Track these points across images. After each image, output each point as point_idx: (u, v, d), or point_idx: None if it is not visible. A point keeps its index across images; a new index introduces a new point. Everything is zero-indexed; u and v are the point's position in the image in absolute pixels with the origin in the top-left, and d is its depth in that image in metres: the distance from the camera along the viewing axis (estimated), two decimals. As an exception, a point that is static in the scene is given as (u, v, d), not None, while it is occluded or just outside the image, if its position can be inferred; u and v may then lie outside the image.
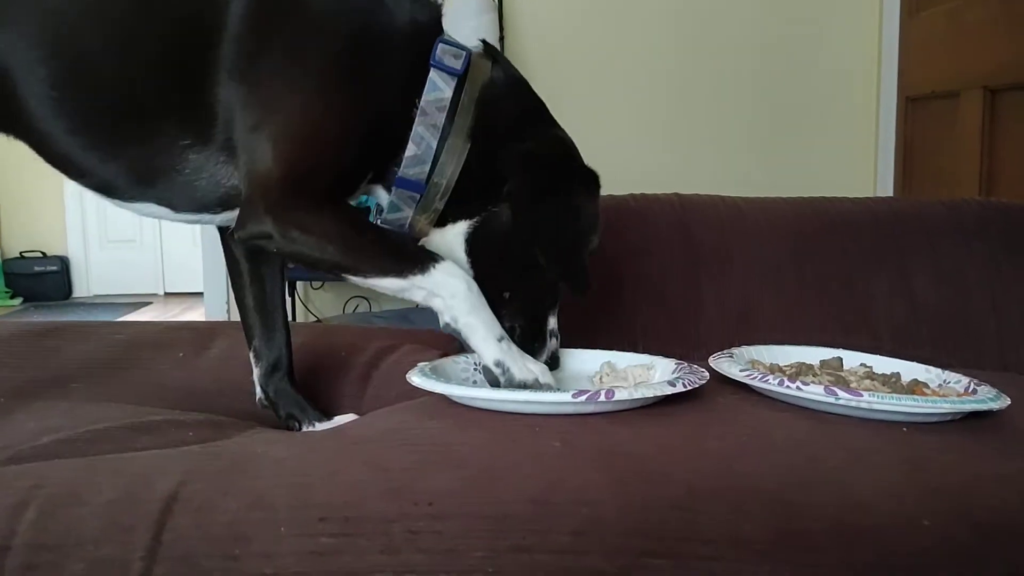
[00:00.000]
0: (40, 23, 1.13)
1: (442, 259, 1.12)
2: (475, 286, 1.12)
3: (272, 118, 1.11)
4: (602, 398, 1.00)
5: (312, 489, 0.85)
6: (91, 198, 6.60)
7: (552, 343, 1.23)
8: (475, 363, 1.21)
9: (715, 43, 3.34)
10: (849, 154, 3.36)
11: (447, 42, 1.19)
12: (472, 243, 1.20)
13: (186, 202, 1.18)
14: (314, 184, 1.11)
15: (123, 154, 1.16)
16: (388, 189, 1.20)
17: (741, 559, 0.80)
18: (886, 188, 3.23)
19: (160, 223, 6.69)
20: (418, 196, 1.18)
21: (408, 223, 1.21)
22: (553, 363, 1.22)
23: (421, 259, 1.11)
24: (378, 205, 1.25)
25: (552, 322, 1.24)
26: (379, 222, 1.23)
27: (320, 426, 1.25)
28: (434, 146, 1.16)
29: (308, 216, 1.09)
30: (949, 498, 0.87)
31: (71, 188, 6.64)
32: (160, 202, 1.20)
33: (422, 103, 1.16)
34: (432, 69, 1.16)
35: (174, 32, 1.14)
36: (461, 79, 1.17)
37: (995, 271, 1.69)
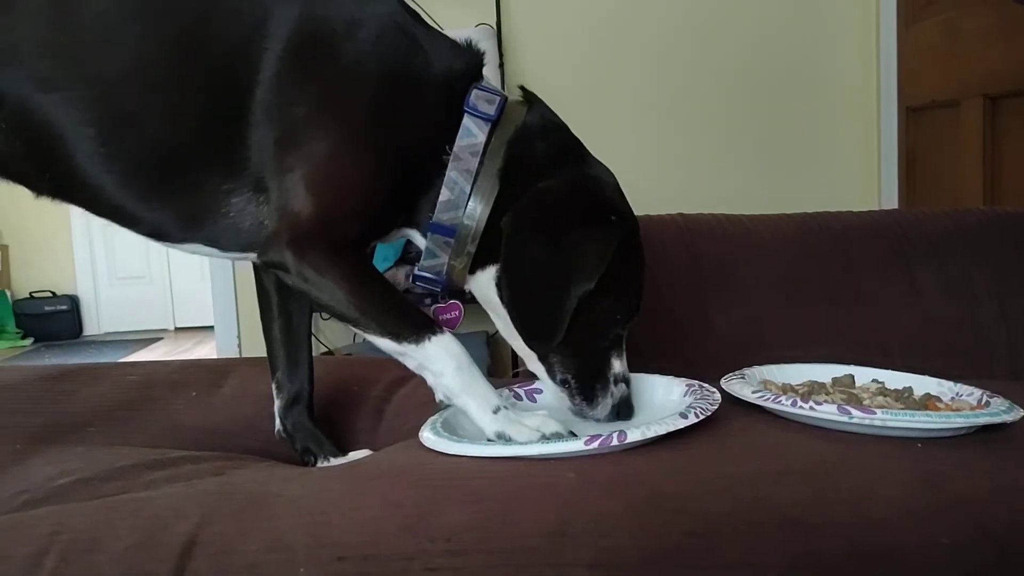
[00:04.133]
0: (84, 85, 1.14)
1: (443, 333, 1.12)
2: (467, 361, 1.12)
3: (305, 161, 1.12)
4: (615, 442, 1.00)
5: (329, 528, 0.85)
6: (99, 236, 6.71)
7: (618, 389, 1.18)
8: None
9: (712, 61, 3.36)
10: (852, 167, 3.36)
11: (483, 88, 1.20)
12: (501, 287, 1.18)
13: (232, 242, 1.20)
14: (342, 227, 1.13)
15: (170, 202, 1.18)
16: (424, 234, 1.21)
17: (760, 583, 0.80)
18: (890, 200, 3.23)
19: (168, 258, 6.74)
20: (451, 241, 1.18)
21: (445, 269, 1.21)
22: (626, 411, 1.18)
23: (420, 329, 1.11)
24: (415, 249, 1.25)
25: (617, 366, 1.19)
26: (417, 270, 1.23)
27: (335, 461, 1.25)
28: (467, 191, 1.16)
29: (325, 260, 1.10)
30: (967, 515, 0.87)
31: (79, 227, 6.71)
32: (208, 243, 1.21)
33: (455, 148, 1.16)
34: (466, 115, 1.17)
35: (211, 82, 1.15)
36: (495, 124, 1.18)
37: (1002, 279, 1.70)
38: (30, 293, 6.83)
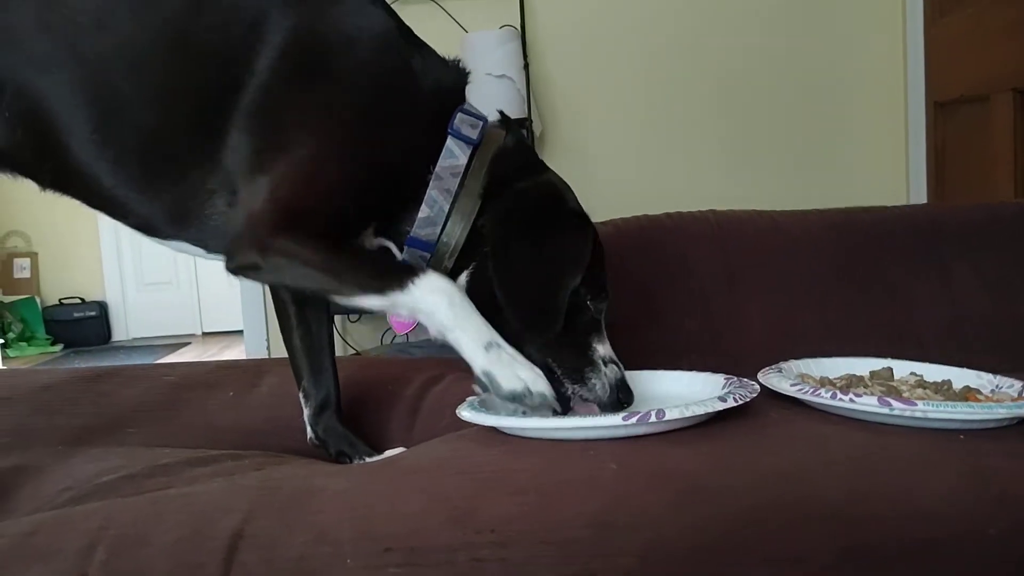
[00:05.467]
0: (78, 67, 1.17)
1: (425, 273, 1.11)
2: (459, 296, 1.11)
3: (274, 164, 1.13)
4: (653, 418, 1.00)
5: (375, 521, 0.86)
6: (127, 242, 6.76)
7: (610, 370, 1.20)
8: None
9: (738, 59, 3.35)
10: (880, 163, 3.34)
11: (467, 111, 1.25)
12: (469, 290, 1.19)
13: (217, 244, 1.21)
14: (304, 224, 1.13)
15: (159, 196, 1.20)
16: (400, 248, 1.23)
17: (806, 574, 0.80)
18: (919, 196, 3.21)
19: (195, 263, 6.78)
20: (428, 256, 1.22)
21: None
22: (626, 395, 1.19)
23: (401, 276, 1.11)
24: None
25: (601, 349, 1.22)
26: None
27: (370, 461, 1.26)
28: (446, 209, 1.21)
29: (292, 244, 1.11)
30: (1014, 505, 0.86)
31: (107, 234, 6.77)
32: (194, 242, 1.23)
33: (437, 168, 1.21)
34: (449, 137, 1.22)
35: (198, 76, 1.18)
36: (476, 147, 1.23)
37: (1038, 272, 1.67)
38: (59, 300, 6.90)
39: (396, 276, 1.11)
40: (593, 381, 1.18)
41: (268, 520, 0.86)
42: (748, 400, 1.10)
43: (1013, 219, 1.74)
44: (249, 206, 1.14)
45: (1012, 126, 2.63)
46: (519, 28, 3.24)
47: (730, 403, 1.07)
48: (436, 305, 1.10)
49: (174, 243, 1.25)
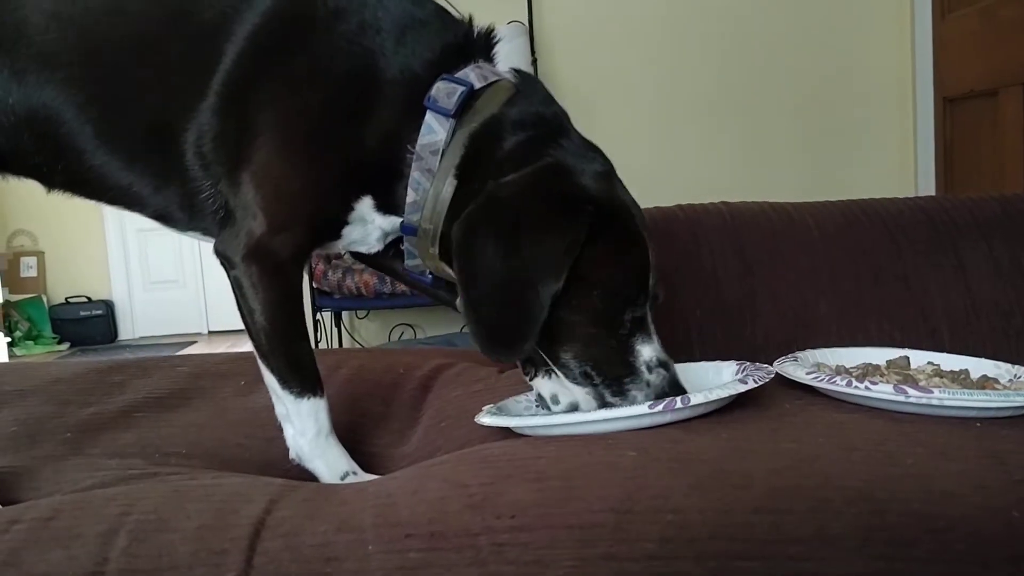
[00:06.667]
0: (81, 63, 1.17)
1: (320, 398, 1.14)
2: (327, 432, 1.14)
3: (254, 157, 1.12)
4: (679, 404, 1.00)
5: (396, 508, 0.86)
6: (133, 241, 6.76)
7: (655, 375, 1.07)
8: (535, 398, 1.20)
9: (747, 55, 3.35)
10: (889, 158, 3.34)
11: (449, 78, 1.12)
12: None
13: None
14: (292, 229, 1.13)
15: (168, 185, 1.20)
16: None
17: (832, 557, 0.79)
18: (928, 191, 3.21)
19: (201, 262, 6.79)
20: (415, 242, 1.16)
21: (425, 268, 1.20)
22: (677, 393, 1.06)
23: (304, 385, 1.13)
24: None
25: (646, 352, 1.08)
26: (401, 268, 1.25)
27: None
28: (430, 189, 1.12)
29: (264, 278, 1.12)
30: (1035, 489, 0.86)
31: (113, 233, 6.78)
32: (205, 233, 1.23)
33: (417, 147, 1.11)
34: (427, 111, 1.11)
35: (179, 72, 1.17)
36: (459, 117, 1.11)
37: (1051, 262, 1.67)
38: (66, 298, 6.92)
39: (301, 383, 1.13)
40: (633, 393, 1.07)
41: (291, 510, 0.87)
42: (767, 381, 1.10)
43: (1026, 210, 1.74)
44: (238, 199, 1.13)
45: (1020, 121, 2.64)
46: (527, 23, 3.24)
47: (751, 384, 1.07)
48: (307, 428, 1.14)
49: (189, 233, 1.25)
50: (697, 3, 3.34)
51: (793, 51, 3.34)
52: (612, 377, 1.08)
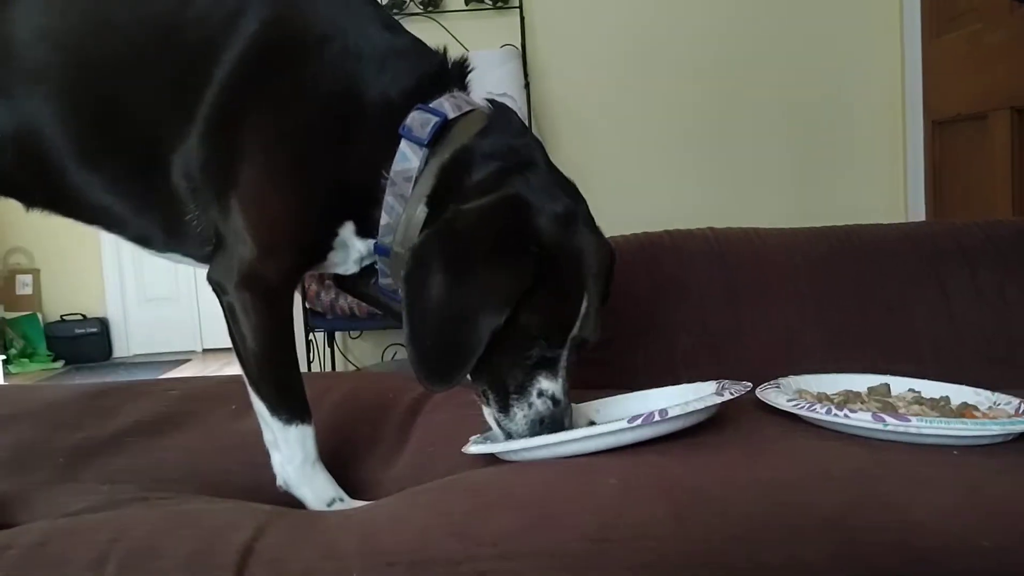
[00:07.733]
0: (66, 78, 1.18)
1: (309, 425, 1.15)
2: (314, 460, 1.16)
3: (243, 182, 1.13)
4: (657, 417, 1.02)
5: (380, 536, 0.87)
6: (128, 259, 6.76)
7: (541, 403, 1.10)
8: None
9: (737, 78, 3.37)
10: (878, 182, 3.36)
11: (424, 109, 1.16)
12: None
13: (207, 257, 1.21)
14: (281, 254, 1.15)
15: (150, 208, 1.21)
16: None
17: (804, 586, 0.81)
18: (917, 214, 3.22)
19: (196, 280, 6.79)
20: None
21: (397, 288, 1.20)
22: (555, 425, 1.10)
23: (293, 413, 1.14)
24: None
25: (545, 383, 1.11)
26: (373, 284, 1.26)
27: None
28: (403, 215, 1.15)
29: (255, 304, 1.13)
30: (1008, 518, 0.88)
31: (109, 250, 6.78)
32: (188, 255, 1.25)
33: (391, 174, 1.15)
34: (402, 139, 1.15)
35: (165, 95, 1.18)
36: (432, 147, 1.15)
37: (1034, 289, 1.69)
38: (61, 316, 6.91)
39: (290, 410, 1.14)
40: (514, 411, 1.11)
41: (277, 537, 0.88)
42: (744, 393, 1.13)
43: (1012, 236, 1.76)
44: (226, 225, 1.15)
45: (1009, 145, 2.65)
46: (520, 47, 3.27)
47: (727, 396, 1.10)
48: (294, 456, 1.15)
49: (170, 255, 1.27)
50: (688, 28, 3.36)
51: (783, 75, 3.36)
52: (502, 396, 1.12)
